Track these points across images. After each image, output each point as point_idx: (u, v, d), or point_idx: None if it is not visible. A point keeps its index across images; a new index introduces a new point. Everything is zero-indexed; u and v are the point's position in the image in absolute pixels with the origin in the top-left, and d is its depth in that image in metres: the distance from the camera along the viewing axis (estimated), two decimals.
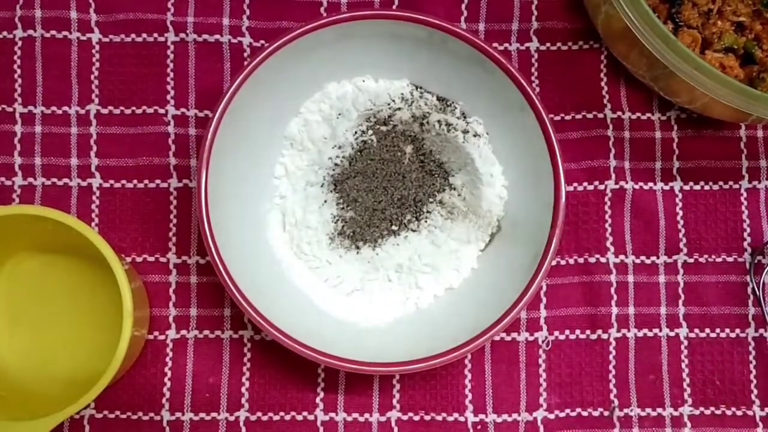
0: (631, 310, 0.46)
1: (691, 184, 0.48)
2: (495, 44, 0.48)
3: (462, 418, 0.45)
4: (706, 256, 0.47)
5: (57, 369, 0.45)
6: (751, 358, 0.46)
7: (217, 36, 0.47)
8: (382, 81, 0.45)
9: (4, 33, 0.47)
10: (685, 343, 0.46)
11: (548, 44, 0.48)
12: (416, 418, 0.45)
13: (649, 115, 0.48)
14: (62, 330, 0.45)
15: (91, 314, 0.45)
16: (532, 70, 0.48)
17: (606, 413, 0.45)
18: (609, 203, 0.47)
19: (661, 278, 0.47)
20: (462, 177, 0.45)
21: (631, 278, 0.46)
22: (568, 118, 0.47)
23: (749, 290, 0.47)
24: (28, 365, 0.45)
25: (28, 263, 0.45)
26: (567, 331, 0.46)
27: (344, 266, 0.45)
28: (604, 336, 0.46)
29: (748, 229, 0.47)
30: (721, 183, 0.48)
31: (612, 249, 0.47)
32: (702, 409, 0.46)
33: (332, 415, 0.45)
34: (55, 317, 0.45)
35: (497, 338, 0.46)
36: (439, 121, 0.44)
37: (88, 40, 0.47)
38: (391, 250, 0.45)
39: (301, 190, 0.45)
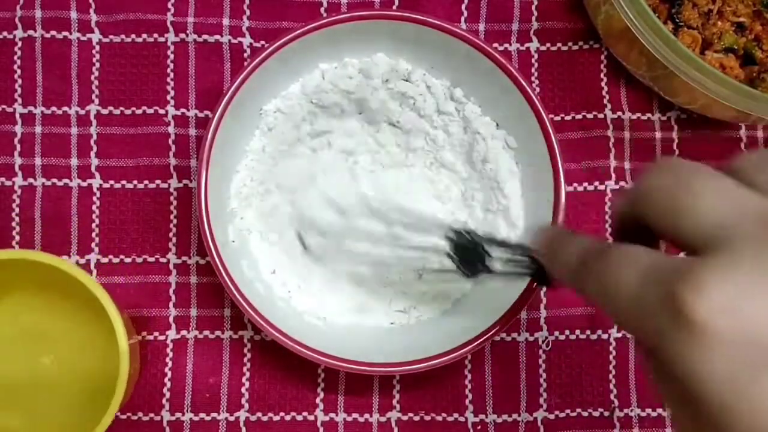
0: None
1: None
2: (495, 44, 0.48)
3: (462, 419, 0.45)
4: None
5: (50, 411, 0.44)
6: None
7: (217, 36, 0.47)
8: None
9: (4, 33, 0.47)
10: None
11: (548, 44, 0.48)
12: (416, 418, 0.45)
13: (649, 115, 0.48)
14: (56, 369, 0.44)
15: (83, 355, 0.44)
16: (532, 70, 0.48)
17: (606, 413, 0.45)
18: (609, 203, 0.47)
19: None
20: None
21: None
22: (568, 118, 0.47)
23: None
24: (18, 405, 0.44)
25: (24, 303, 0.44)
26: (567, 331, 0.46)
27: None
28: (604, 336, 0.46)
29: None
30: None
31: None
32: None
33: (332, 415, 0.45)
34: (49, 358, 0.45)
35: (497, 338, 0.46)
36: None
37: (88, 40, 0.47)
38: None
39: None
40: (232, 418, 0.45)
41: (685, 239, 0.23)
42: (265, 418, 0.45)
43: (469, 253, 0.37)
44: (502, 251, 0.36)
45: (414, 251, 0.41)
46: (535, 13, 0.48)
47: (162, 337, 0.45)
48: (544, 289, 0.46)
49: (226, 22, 0.47)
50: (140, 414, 0.45)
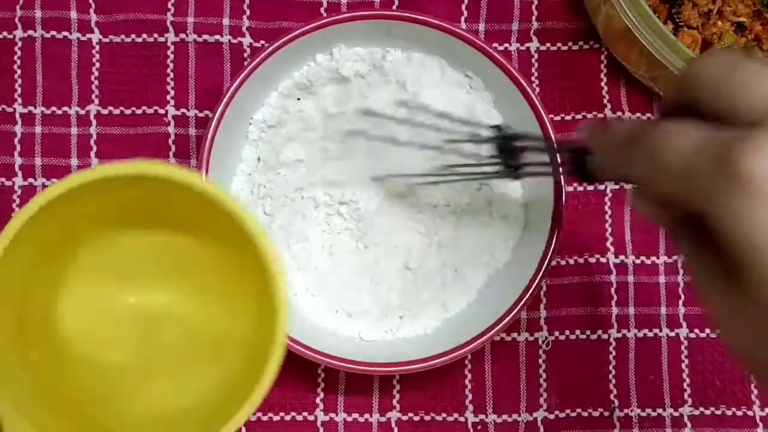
0: (631, 310, 0.46)
1: None
2: (495, 44, 0.48)
3: (462, 419, 0.45)
4: None
5: (154, 393, 0.34)
6: None
7: (217, 36, 0.47)
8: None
9: (4, 33, 0.47)
10: (685, 343, 0.46)
11: (548, 44, 0.48)
12: (416, 418, 0.45)
13: (649, 115, 0.48)
14: (163, 337, 0.35)
15: (205, 315, 0.35)
16: (532, 70, 0.48)
17: (606, 413, 0.45)
18: (609, 203, 0.47)
19: (661, 278, 0.47)
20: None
21: (631, 278, 0.46)
22: (568, 118, 0.47)
23: None
24: (112, 379, 0.34)
25: (115, 242, 0.34)
26: (567, 332, 0.46)
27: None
28: (604, 336, 0.46)
29: None
30: None
31: (612, 249, 0.47)
32: (702, 409, 0.46)
33: (332, 415, 0.45)
34: (154, 320, 0.35)
35: (497, 338, 0.46)
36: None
37: (88, 40, 0.47)
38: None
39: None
40: None
41: (739, 116, 0.24)
42: (265, 418, 0.45)
43: (509, 152, 0.38)
44: (539, 149, 0.37)
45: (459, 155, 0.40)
46: (535, 13, 0.48)
47: None
48: (544, 288, 0.46)
49: (226, 22, 0.47)
50: None
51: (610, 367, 0.46)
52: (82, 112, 0.47)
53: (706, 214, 0.23)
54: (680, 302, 0.46)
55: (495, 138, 0.38)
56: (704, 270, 0.25)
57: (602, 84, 0.48)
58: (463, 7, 0.48)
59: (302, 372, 0.45)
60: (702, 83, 0.25)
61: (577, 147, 0.33)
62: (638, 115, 0.48)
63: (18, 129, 0.46)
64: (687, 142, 0.24)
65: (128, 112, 0.47)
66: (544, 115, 0.42)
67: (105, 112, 0.47)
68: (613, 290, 0.46)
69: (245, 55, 0.47)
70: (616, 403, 0.46)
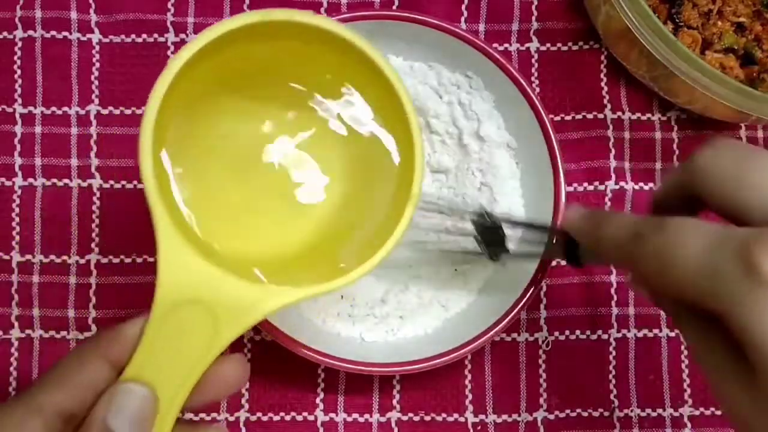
0: (631, 310, 0.46)
1: None
2: (495, 44, 0.48)
3: (462, 419, 0.45)
4: None
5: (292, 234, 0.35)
6: None
7: None
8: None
9: (4, 33, 0.47)
10: (685, 343, 0.46)
11: (548, 44, 0.48)
12: (416, 418, 0.45)
13: (649, 115, 0.48)
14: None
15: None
16: (532, 70, 0.48)
17: (606, 413, 0.45)
18: (609, 203, 0.47)
19: None
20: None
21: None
22: (568, 118, 0.48)
23: None
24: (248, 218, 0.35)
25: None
26: (567, 332, 0.46)
27: None
28: (604, 336, 0.46)
29: None
30: None
31: None
32: (702, 409, 0.46)
33: (332, 415, 0.45)
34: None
35: (497, 338, 0.46)
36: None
37: (88, 40, 0.47)
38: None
39: None
40: (232, 419, 0.45)
41: (747, 211, 0.25)
42: (265, 418, 0.45)
43: (491, 235, 0.38)
44: (524, 232, 0.37)
45: (447, 235, 0.41)
46: (535, 13, 0.48)
47: None
48: (544, 288, 0.46)
49: None
50: None
51: (610, 367, 0.46)
52: (82, 112, 0.47)
53: (725, 314, 0.23)
54: None
55: (475, 226, 0.39)
56: (712, 356, 0.25)
57: (602, 84, 0.48)
58: (463, 7, 0.48)
59: (302, 372, 0.45)
60: (709, 179, 0.25)
61: (568, 234, 0.33)
62: (638, 115, 0.48)
63: (18, 129, 0.46)
64: (700, 242, 0.24)
65: (128, 112, 0.47)
66: (544, 115, 0.42)
67: (105, 112, 0.47)
68: (613, 290, 0.46)
69: None
70: (616, 403, 0.46)
